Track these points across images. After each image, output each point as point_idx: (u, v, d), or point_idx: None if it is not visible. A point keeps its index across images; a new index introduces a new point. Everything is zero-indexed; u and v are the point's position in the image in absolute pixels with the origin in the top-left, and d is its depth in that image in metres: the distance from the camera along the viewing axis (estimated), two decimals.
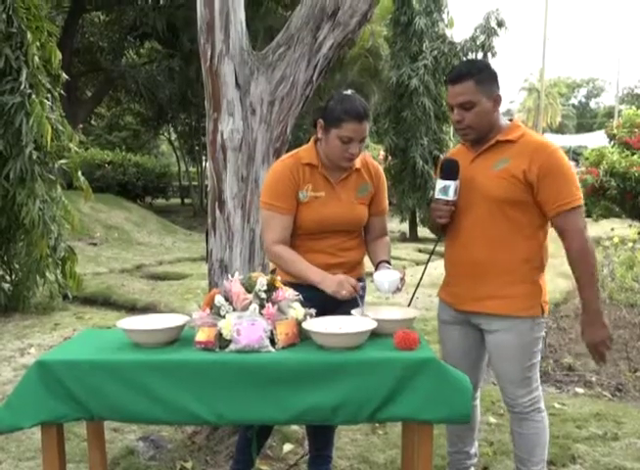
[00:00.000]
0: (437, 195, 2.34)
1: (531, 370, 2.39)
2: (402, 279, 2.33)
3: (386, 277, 2.31)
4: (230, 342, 2.04)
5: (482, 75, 2.25)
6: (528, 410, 2.40)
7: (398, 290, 2.33)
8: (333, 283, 2.29)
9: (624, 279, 6.72)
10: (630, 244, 7.50)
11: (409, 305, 2.59)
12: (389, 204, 2.70)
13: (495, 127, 2.33)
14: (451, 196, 2.31)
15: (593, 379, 4.27)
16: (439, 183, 2.34)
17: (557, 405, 3.76)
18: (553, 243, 2.39)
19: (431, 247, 2.82)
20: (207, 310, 2.14)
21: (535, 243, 2.33)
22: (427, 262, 2.71)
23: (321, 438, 2.75)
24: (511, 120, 2.39)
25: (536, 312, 2.34)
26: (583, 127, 50.06)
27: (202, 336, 2.06)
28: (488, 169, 2.31)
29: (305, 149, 2.50)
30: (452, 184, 2.31)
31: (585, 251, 2.25)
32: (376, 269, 2.46)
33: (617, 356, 4.68)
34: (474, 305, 2.39)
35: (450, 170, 2.32)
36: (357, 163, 2.50)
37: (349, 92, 2.41)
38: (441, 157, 2.46)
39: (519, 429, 2.44)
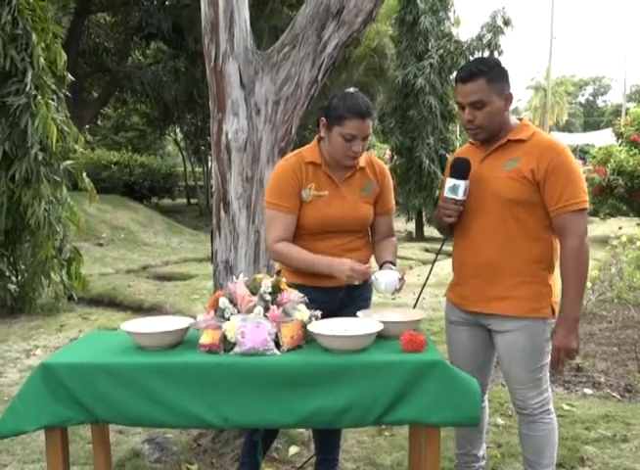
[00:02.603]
0: (447, 194, 2.31)
1: (542, 371, 2.36)
2: (401, 280, 2.30)
3: (383, 278, 2.29)
4: (234, 344, 2.02)
5: (494, 73, 2.22)
6: (538, 412, 2.37)
7: (397, 291, 2.31)
8: (342, 275, 2.27)
9: (633, 278, 6.65)
10: (638, 243, 7.43)
11: (415, 305, 2.57)
12: (396, 203, 2.67)
13: (506, 126, 2.29)
14: (460, 195, 2.28)
15: (602, 380, 4.23)
16: (449, 182, 2.30)
17: (565, 407, 3.73)
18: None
19: (437, 246, 2.79)
20: (212, 313, 2.12)
21: (545, 244, 2.30)
22: (433, 262, 2.67)
23: (327, 441, 2.72)
24: (520, 120, 2.37)
25: (547, 313, 2.31)
26: (590, 126, 49.84)
27: (206, 339, 2.05)
28: (499, 169, 2.28)
29: (309, 148, 2.48)
30: (462, 184, 2.28)
31: (581, 254, 2.20)
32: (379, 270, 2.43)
33: (626, 357, 4.64)
34: (483, 307, 2.36)
35: (461, 170, 2.29)
36: (362, 161, 2.47)
37: (352, 90, 2.39)
38: (448, 156, 2.44)
39: (528, 431, 2.41)
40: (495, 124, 2.26)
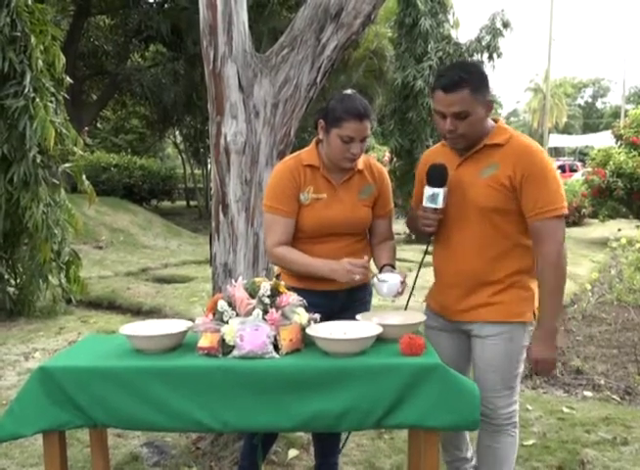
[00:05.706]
0: (426, 203, 2.25)
1: (516, 381, 2.33)
2: (403, 283, 2.29)
3: (385, 281, 2.28)
4: (233, 348, 2.01)
5: (477, 82, 2.15)
6: (506, 423, 2.33)
7: (399, 294, 2.29)
8: (343, 274, 2.25)
9: (632, 280, 6.66)
10: (638, 245, 7.43)
11: (406, 307, 2.54)
12: (395, 205, 2.66)
13: (484, 132, 2.25)
14: (440, 204, 2.23)
15: (602, 382, 4.22)
16: (427, 191, 2.24)
17: (565, 409, 3.72)
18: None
19: None
20: (210, 316, 2.11)
21: (525, 249, 2.26)
22: (419, 266, 2.62)
23: (327, 445, 2.71)
24: (496, 121, 2.31)
25: (529, 318, 2.28)
26: (589, 128, 49.94)
27: (204, 342, 2.04)
28: (477, 176, 2.23)
29: (307, 150, 2.48)
30: (441, 192, 2.22)
31: (558, 262, 2.15)
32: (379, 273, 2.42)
33: (626, 359, 4.63)
34: (465, 316, 2.33)
35: (438, 177, 2.23)
36: (360, 164, 2.47)
37: (350, 92, 2.39)
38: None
39: (491, 443, 2.35)
40: (476, 133, 2.21)
